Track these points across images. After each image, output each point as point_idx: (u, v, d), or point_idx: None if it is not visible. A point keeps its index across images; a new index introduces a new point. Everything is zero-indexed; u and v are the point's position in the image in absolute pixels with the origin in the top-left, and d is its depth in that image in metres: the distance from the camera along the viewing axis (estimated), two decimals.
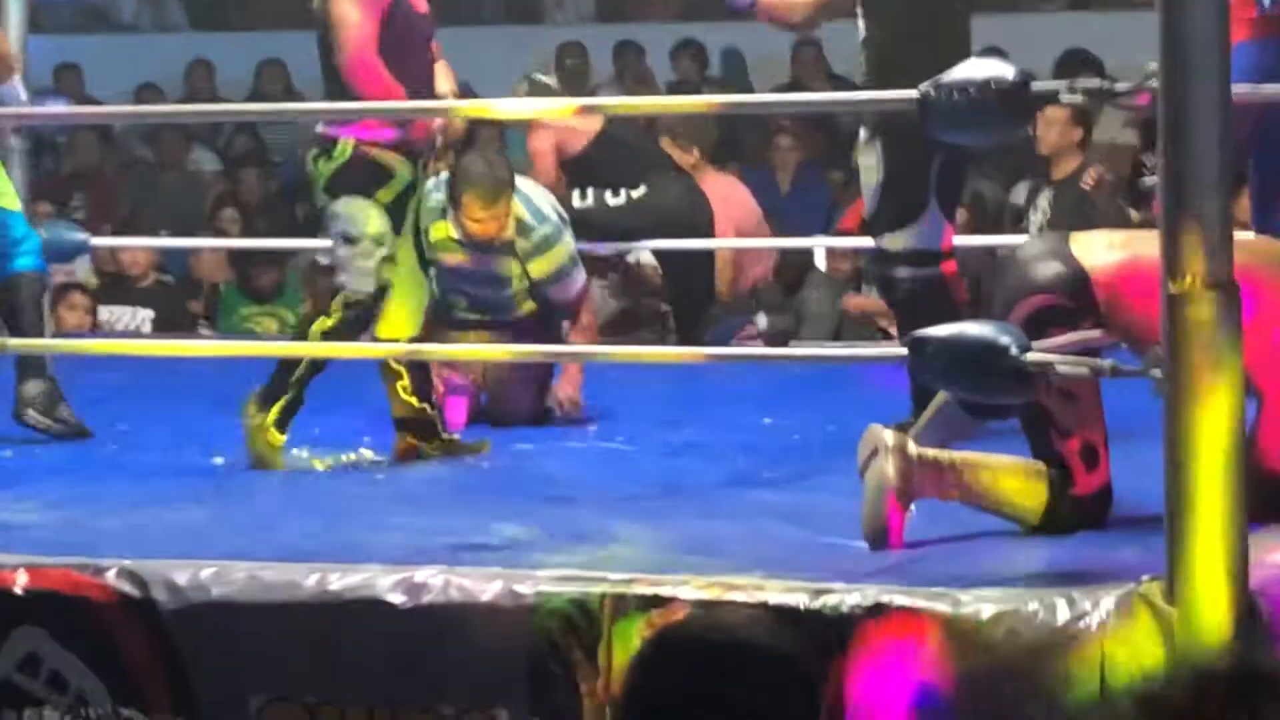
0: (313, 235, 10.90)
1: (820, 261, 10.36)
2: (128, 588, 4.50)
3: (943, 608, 4.13)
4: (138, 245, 10.84)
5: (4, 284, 6.78)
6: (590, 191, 8.50)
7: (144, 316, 10.56)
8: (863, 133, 6.24)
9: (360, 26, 5.80)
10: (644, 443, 6.58)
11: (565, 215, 7.01)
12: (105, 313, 10.59)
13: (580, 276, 6.84)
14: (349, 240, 5.89)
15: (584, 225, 7.78)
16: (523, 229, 6.65)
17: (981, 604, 4.11)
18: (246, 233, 11.18)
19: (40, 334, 7.09)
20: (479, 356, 6.69)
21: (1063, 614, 4.02)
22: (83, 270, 10.62)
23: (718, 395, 7.19)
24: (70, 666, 4.49)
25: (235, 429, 6.46)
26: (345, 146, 5.80)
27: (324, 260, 10.87)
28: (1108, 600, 4.01)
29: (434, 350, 6.28)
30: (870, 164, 6.17)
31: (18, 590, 4.55)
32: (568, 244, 6.78)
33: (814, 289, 10.15)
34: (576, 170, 8.71)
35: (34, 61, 7.34)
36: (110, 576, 4.51)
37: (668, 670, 2.63)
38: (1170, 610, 3.91)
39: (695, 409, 7.07)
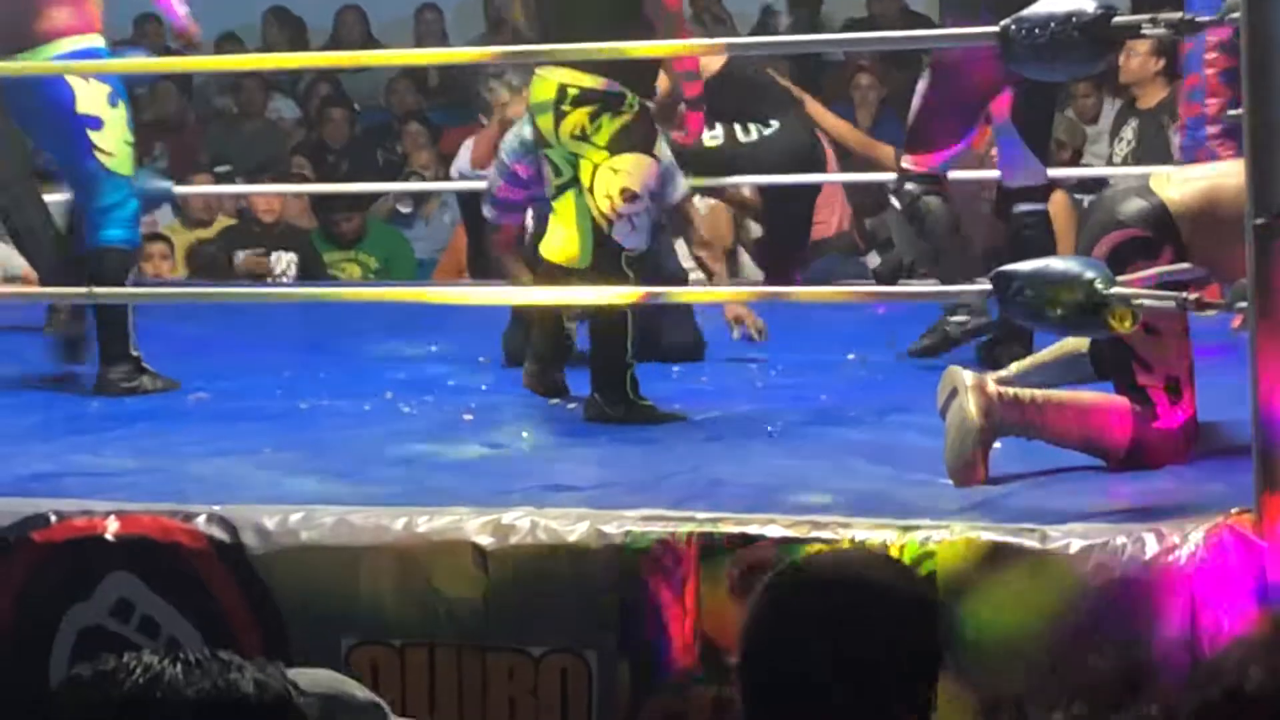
0: (393, 180, 11.03)
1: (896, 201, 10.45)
2: (218, 533, 4.52)
3: (1030, 543, 4.14)
4: (220, 192, 10.80)
5: (91, 253, 6.64)
6: (719, 127, 8.33)
7: (289, 260, 10.44)
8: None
9: None
10: (727, 380, 6.55)
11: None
12: (241, 255, 10.54)
13: (682, 182, 6.65)
14: (632, 197, 5.75)
15: (715, 161, 7.76)
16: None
17: (1070, 539, 4.10)
18: (326, 179, 11.22)
19: (121, 313, 6.66)
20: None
21: (1151, 548, 4.00)
22: (165, 219, 10.55)
23: (801, 332, 7.15)
24: (162, 612, 4.51)
25: (320, 370, 6.52)
26: (633, 101, 5.70)
27: (404, 209, 11.07)
28: (1196, 534, 3.99)
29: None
30: None
31: (109, 537, 4.57)
32: (665, 150, 6.67)
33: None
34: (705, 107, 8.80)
35: (113, 13, 7.35)
36: (200, 522, 4.52)
37: (796, 612, 2.66)
38: (1261, 543, 3.93)
39: (778, 347, 7.02)
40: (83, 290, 6.67)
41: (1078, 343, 5.11)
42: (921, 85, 6.39)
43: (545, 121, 5.80)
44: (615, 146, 5.62)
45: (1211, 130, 6.54)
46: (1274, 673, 0.67)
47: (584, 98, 5.63)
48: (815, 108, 9.11)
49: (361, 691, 2.83)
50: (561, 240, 5.97)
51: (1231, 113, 5.41)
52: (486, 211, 6.88)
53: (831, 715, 2.47)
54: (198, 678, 2.05)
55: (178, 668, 2.06)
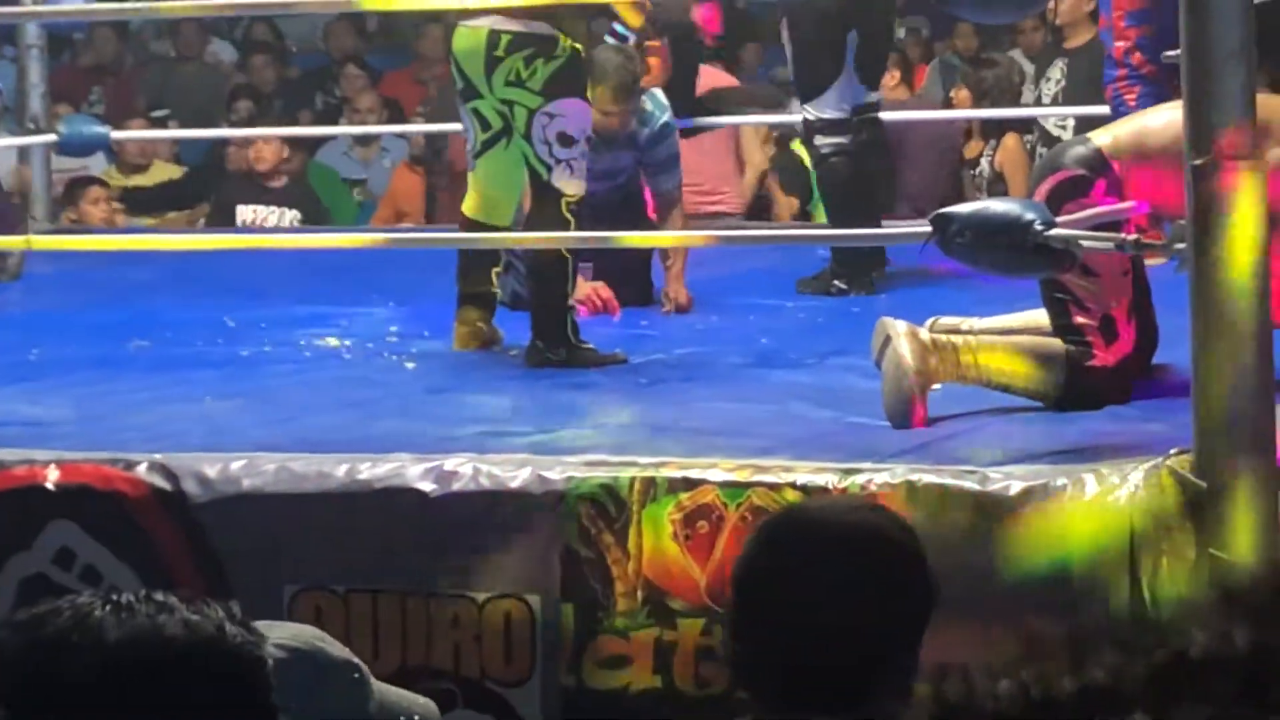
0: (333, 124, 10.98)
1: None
2: (159, 481, 4.56)
3: (971, 485, 4.21)
4: (154, 137, 10.62)
5: None
6: None
7: (291, 217, 10.20)
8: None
9: None
10: (668, 326, 6.57)
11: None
12: (248, 212, 10.16)
13: (679, 172, 6.79)
14: (568, 141, 5.77)
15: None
16: (645, 118, 6.66)
17: (1010, 480, 4.16)
18: (262, 124, 11.17)
19: None
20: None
21: (1091, 489, 4.07)
22: (99, 165, 10.43)
23: (744, 276, 7.26)
24: (103, 560, 4.57)
25: (260, 319, 6.51)
26: (566, 45, 5.71)
27: (351, 155, 11.00)
28: (1136, 475, 4.05)
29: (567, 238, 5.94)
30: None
31: (50, 486, 4.61)
32: (675, 141, 6.77)
33: None
34: None
35: None
36: (141, 471, 4.57)
37: (782, 555, 2.68)
38: (1199, 483, 3.95)
39: (718, 293, 7.09)
40: (21, 239, 6.78)
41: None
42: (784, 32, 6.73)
43: (474, 70, 5.79)
44: (551, 91, 5.65)
45: (1118, 73, 6.56)
46: (1221, 637, 0.66)
47: (517, 43, 5.66)
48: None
49: (339, 650, 2.84)
50: (483, 201, 5.91)
51: (1168, 54, 5.51)
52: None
53: (826, 654, 2.48)
54: (125, 619, 2.04)
55: (107, 609, 2.05)
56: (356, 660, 2.80)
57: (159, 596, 2.06)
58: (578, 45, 5.77)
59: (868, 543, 2.59)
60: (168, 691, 1.98)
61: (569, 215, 5.73)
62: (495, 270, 6.13)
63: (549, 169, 5.68)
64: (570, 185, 5.70)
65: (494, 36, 5.71)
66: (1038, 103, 9.33)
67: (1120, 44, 6.56)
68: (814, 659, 2.47)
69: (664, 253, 6.78)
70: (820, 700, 2.47)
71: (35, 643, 2.05)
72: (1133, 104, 6.38)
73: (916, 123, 8.84)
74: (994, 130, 9.32)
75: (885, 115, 7.55)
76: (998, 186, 8.76)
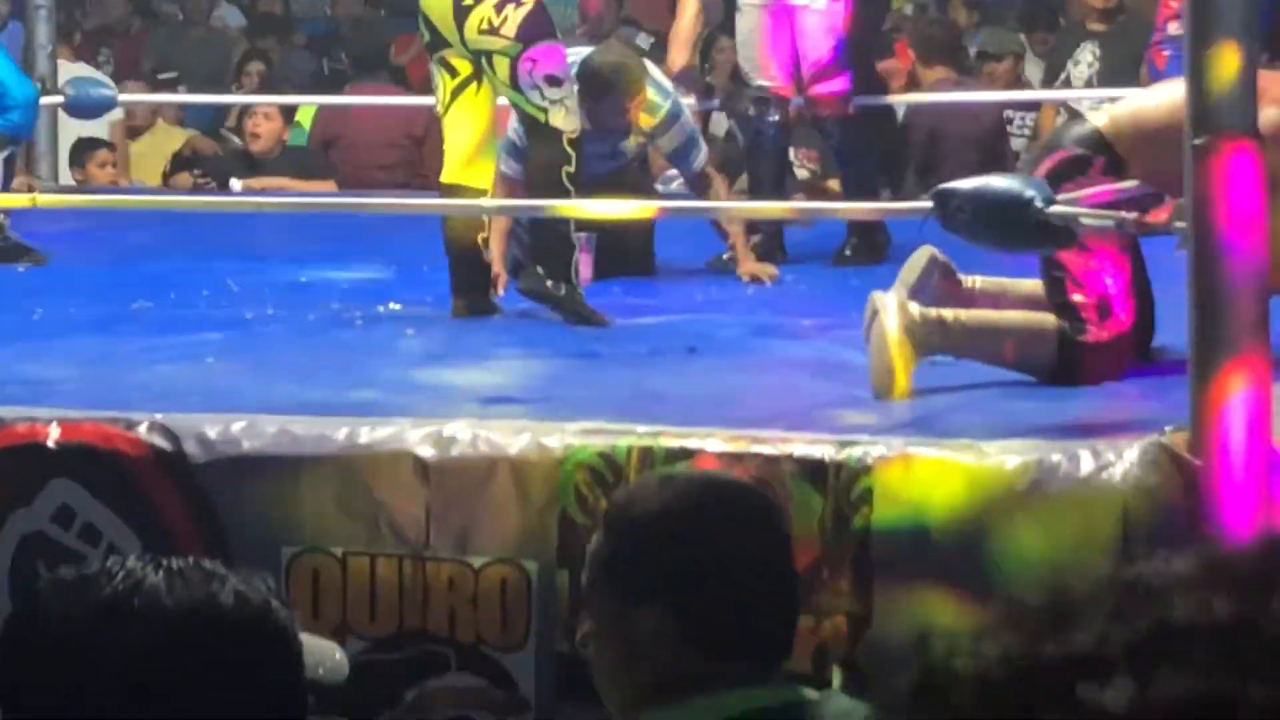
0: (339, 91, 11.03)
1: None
2: (160, 441, 4.60)
3: (967, 458, 4.24)
4: (163, 100, 10.68)
5: None
6: None
7: None
8: None
9: None
10: (669, 297, 6.67)
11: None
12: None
13: (703, 153, 6.84)
14: (556, 82, 5.87)
15: None
16: (650, 108, 6.69)
17: (1005, 455, 4.19)
18: (270, 89, 11.14)
19: None
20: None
21: (1086, 465, 4.10)
22: (105, 127, 10.24)
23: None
24: (103, 519, 4.60)
25: (264, 283, 6.57)
26: None
27: None
28: (1130, 452, 4.07)
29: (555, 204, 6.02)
30: None
31: (50, 444, 4.64)
32: (687, 120, 6.82)
33: None
34: None
35: None
36: (142, 430, 4.61)
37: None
38: (1194, 461, 3.98)
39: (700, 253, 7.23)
40: (27, 196, 6.92)
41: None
42: None
43: (443, 21, 5.89)
44: (525, 35, 5.78)
45: (1154, 37, 6.69)
46: (1202, 605, 0.66)
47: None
48: None
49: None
50: (459, 161, 5.92)
51: (1172, 30, 5.61)
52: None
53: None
54: (178, 586, 2.04)
55: (159, 575, 2.04)
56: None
57: (207, 564, 2.06)
58: None
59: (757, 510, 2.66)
60: (221, 660, 1.96)
61: (571, 150, 5.84)
62: (482, 235, 6.16)
63: (545, 111, 5.81)
64: (568, 122, 5.85)
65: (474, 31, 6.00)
66: (1066, 84, 9.14)
67: (1165, 11, 6.65)
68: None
69: (721, 232, 6.75)
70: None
71: (89, 604, 2.03)
72: (1161, 68, 6.46)
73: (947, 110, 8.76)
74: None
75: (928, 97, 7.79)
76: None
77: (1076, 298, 4.92)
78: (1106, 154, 4.91)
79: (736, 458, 4.24)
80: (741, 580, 2.73)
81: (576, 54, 6.56)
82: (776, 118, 7.07)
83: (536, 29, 5.89)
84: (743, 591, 2.70)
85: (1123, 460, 4.12)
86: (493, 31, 5.85)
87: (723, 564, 2.71)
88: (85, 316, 6.44)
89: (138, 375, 5.42)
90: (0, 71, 7.69)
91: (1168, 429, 4.15)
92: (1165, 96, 4.97)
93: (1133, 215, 4.61)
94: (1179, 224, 4.20)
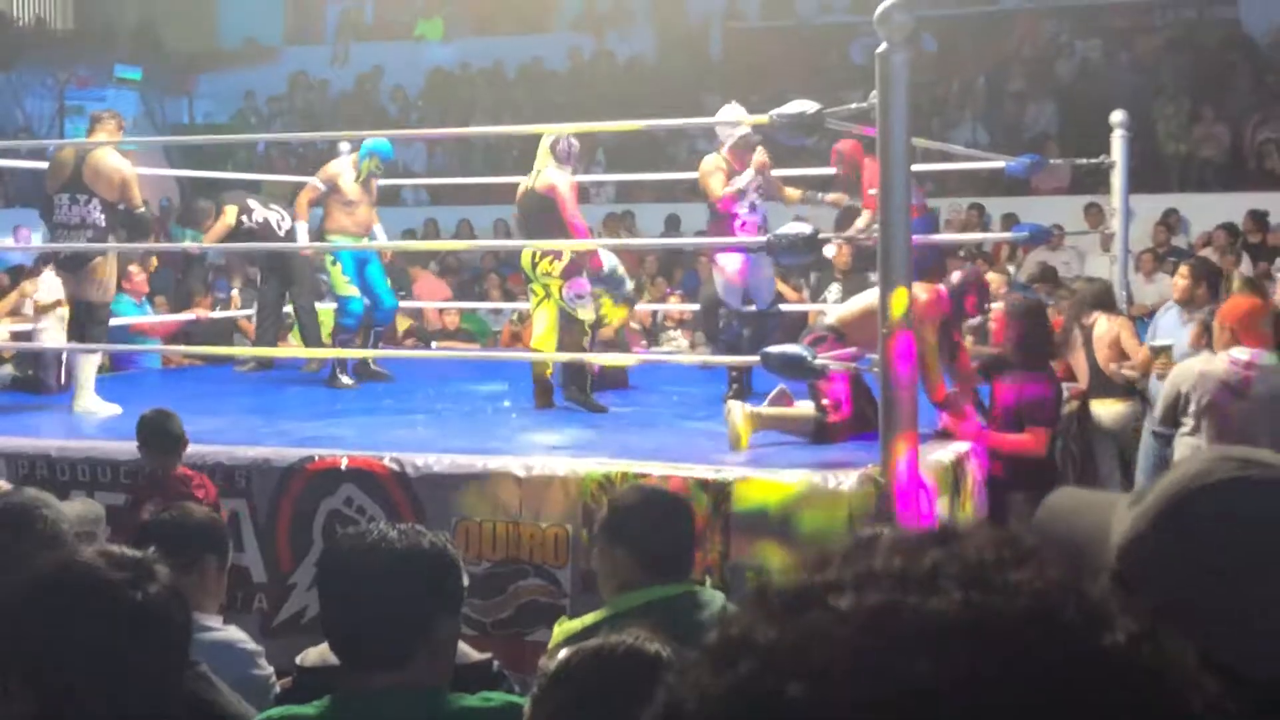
0: None
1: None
2: (394, 466, 5.59)
3: (771, 478, 5.24)
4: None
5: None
6: None
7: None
8: None
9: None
10: (633, 399, 7.96)
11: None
12: None
13: (629, 284, 8.16)
14: (581, 297, 7.56)
15: None
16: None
17: (795, 477, 5.24)
18: None
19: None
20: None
21: (831, 483, 5.18)
22: None
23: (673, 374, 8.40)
24: (367, 503, 5.65)
25: (445, 392, 7.92)
26: (564, 254, 7.30)
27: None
28: (850, 478, 5.05)
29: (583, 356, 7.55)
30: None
31: (343, 467, 5.62)
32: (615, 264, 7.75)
33: None
34: None
35: None
36: (386, 460, 5.58)
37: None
38: (884, 482, 4.98)
39: (654, 380, 8.41)
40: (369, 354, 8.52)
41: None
42: None
43: (528, 269, 7.29)
44: (564, 274, 7.25)
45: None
46: (889, 557, 0.82)
47: (543, 255, 7.18)
48: None
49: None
50: (541, 337, 7.29)
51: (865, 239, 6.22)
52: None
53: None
54: (404, 536, 2.43)
55: (395, 531, 2.41)
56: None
57: (417, 526, 2.46)
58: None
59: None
60: (425, 573, 2.41)
61: (587, 328, 7.15)
62: (548, 371, 7.36)
63: (575, 310, 7.17)
64: (587, 315, 7.17)
65: (532, 255, 7.22)
66: (824, 302, 9.94)
67: None
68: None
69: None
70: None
71: (361, 545, 2.43)
72: None
73: None
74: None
75: None
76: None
77: (824, 400, 5.91)
78: (836, 334, 6.04)
79: (666, 477, 5.13)
80: (663, 535, 3.44)
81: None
82: None
83: (570, 269, 7.20)
84: (664, 542, 3.42)
85: (849, 480, 5.05)
86: (550, 275, 7.20)
87: (659, 527, 3.42)
88: (354, 408, 7.48)
89: (385, 434, 6.39)
90: (377, 286, 8.63)
91: (870, 465, 4.96)
92: (861, 303, 6.12)
93: (855, 365, 5.75)
94: (875, 367, 5.09)
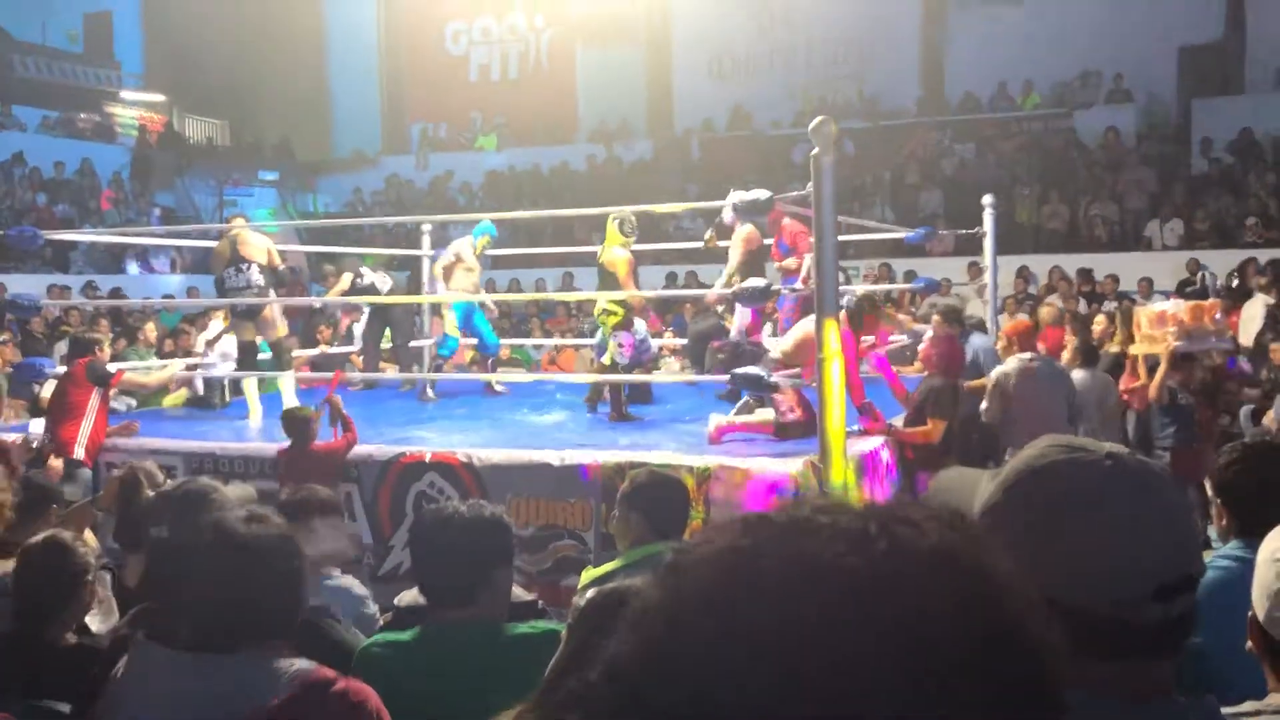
0: None
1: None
2: (465, 459, 5.50)
3: (741, 464, 5.13)
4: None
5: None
6: None
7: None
8: None
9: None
10: (656, 410, 7.39)
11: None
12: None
13: (654, 346, 7.35)
14: (623, 346, 6.80)
15: None
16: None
17: (762, 464, 5.13)
18: None
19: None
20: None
21: (783, 468, 5.07)
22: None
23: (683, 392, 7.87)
24: (445, 486, 5.53)
25: (519, 404, 7.40)
26: (624, 307, 6.69)
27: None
28: (797, 464, 4.99)
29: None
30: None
31: (427, 459, 5.48)
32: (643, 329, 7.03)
33: None
34: None
35: None
36: (460, 454, 5.47)
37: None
38: (822, 466, 4.88)
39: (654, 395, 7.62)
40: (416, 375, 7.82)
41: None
42: None
43: (597, 314, 6.92)
44: (617, 327, 6.81)
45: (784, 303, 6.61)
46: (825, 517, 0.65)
47: (606, 311, 6.68)
48: None
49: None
50: (608, 359, 6.73)
51: (798, 287, 6.14)
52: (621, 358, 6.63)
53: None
54: (471, 509, 2.37)
55: (465, 505, 2.38)
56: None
57: (480, 501, 2.44)
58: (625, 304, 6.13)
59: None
60: (488, 542, 2.36)
61: (625, 371, 6.66)
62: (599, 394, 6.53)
63: (610, 354, 6.78)
64: (623, 361, 6.75)
65: (603, 307, 6.61)
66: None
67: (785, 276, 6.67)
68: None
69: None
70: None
71: (441, 517, 2.39)
72: (782, 319, 6.82)
73: None
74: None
75: None
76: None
77: (781, 407, 5.73)
78: (784, 361, 5.76)
79: (668, 465, 4.97)
80: (665, 504, 3.28)
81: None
82: None
83: (622, 324, 6.60)
84: (666, 509, 3.23)
85: (796, 465, 5.03)
86: (605, 324, 6.95)
87: (662, 498, 3.23)
88: (436, 412, 7.31)
89: (458, 435, 6.20)
90: (482, 328, 8.26)
91: (812, 455, 4.91)
92: (794, 337, 5.95)
93: (798, 382, 5.52)
94: (814, 385, 4.94)
